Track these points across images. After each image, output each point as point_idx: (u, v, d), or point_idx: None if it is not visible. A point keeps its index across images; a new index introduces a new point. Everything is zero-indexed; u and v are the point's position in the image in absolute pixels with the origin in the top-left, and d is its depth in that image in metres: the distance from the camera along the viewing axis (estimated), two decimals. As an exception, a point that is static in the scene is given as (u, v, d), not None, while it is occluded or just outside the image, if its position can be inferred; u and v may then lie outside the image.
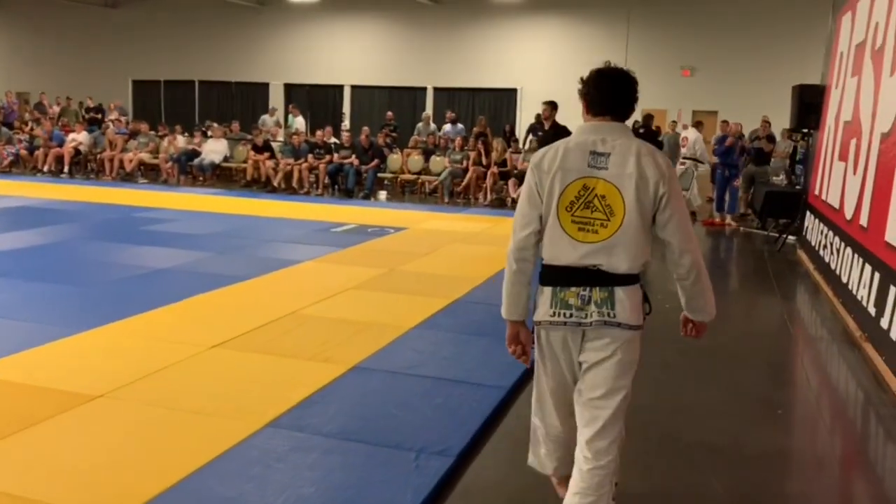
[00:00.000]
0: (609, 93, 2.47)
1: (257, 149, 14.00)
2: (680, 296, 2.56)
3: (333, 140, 14.41)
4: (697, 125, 12.65)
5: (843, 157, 6.82)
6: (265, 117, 17.09)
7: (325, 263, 7.30)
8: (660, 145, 12.11)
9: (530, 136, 14.83)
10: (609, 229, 2.38)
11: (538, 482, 3.22)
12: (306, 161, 13.52)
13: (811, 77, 10.17)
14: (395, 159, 14.06)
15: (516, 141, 15.54)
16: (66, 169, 14.75)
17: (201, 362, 4.37)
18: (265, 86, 21.84)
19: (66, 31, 24.07)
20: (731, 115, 13.53)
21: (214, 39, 22.58)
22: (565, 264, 2.43)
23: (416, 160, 13.91)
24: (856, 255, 5.78)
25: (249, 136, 14.92)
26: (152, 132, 15.68)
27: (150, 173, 14.98)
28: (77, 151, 15.00)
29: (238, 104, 22.15)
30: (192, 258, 7.27)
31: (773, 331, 5.94)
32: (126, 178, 14.50)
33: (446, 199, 12.92)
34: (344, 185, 13.31)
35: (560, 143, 2.48)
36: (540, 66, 19.83)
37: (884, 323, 4.66)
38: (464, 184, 12.93)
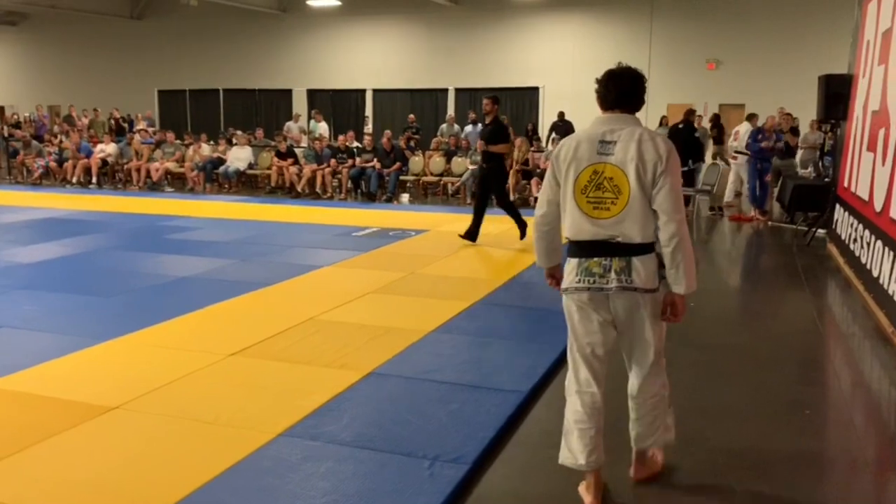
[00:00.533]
0: (617, 90, 2.89)
1: (281, 155, 14.08)
2: (665, 267, 2.86)
3: (356, 144, 14.44)
4: (751, 118, 12.45)
5: (872, 147, 6.63)
6: (290, 124, 17.18)
7: (345, 268, 7.29)
8: (697, 141, 12.15)
9: (553, 135, 14.75)
10: (619, 206, 2.80)
11: (556, 491, 3.16)
12: (329, 166, 13.56)
13: (838, 67, 9.92)
14: (416, 161, 14.04)
15: (539, 140, 15.44)
16: (94, 180, 14.97)
17: (218, 371, 4.37)
18: (288, 92, 21.95)
19: (92, 43, 24.46)
20: (758, 108, 13.26)
21: (238, 48, 22.78)
22: (587, 239, 2.86)
23: (437, 162, 13.87)
24: (886, 249, 5.60)
25: (273, 143, 15.02)
26: (177, 141, 15.85)
27: (176, 182, 15.14)
28: (104, 162, 15.22)
29: (262, 111, 22.29)
30: (215, 266, 7.31)
31: (802, 328, 5.78)
32: (153, 187, 14.67)
33: (469, 200, 12.84)
34: (367, 189, 13.32)
35: (574, 137, 2.94)
36: (562, 64, 19.68)
37: (916, 318, 4.50)
38: (486, 184, 12.84)
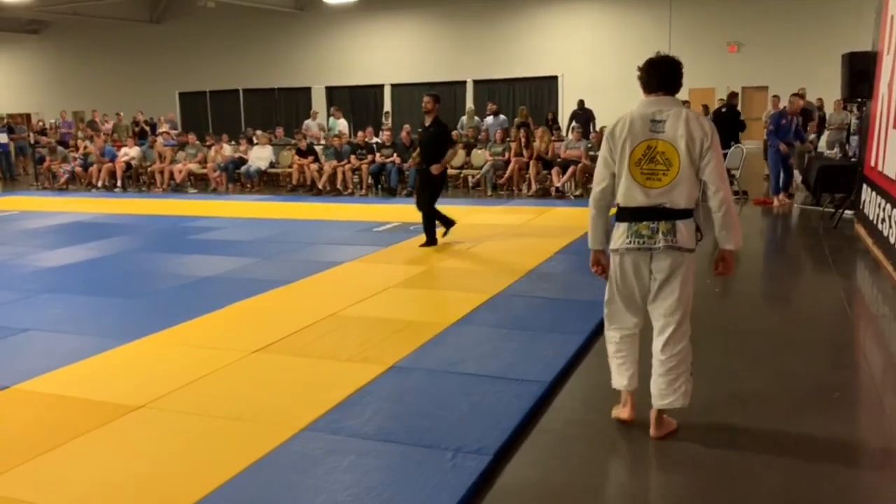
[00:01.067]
0: (658, 76, 3.29)
1: (301, 153, 14.14)
2: (715, 229, 3.28)
3: (375, 140, 14.45)
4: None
5: (898, 125, 6.49)
6: (308, 122, 17.25)
7: (366, 263, 7.31)
8: (742, 124, 12.43)
9: (573, 123, 14.63)
10: (669, 176, 3.20)
11: (578, 480, 3.14)
12: (349, 162, 13.60)
13: (862, 44, 9.72)
14: (436, 155, 13.98)
15: (559, 129, 15.34)
16: (119, 183, 15.15)
17: (242, 368, 4.40)
18: (307, 90, 22.07)
19: (113, 49, 24.75)
20: (781, 90, 13.09)
21: (256, 47, 22.91)
22: (638, 205, 3.24)
23: (457, 154, 13.82)
24: (915, 228, 5.49)
25: (293, 141, 15.09)
26: (198, 143, 15.98)
27: (199, 183, 15.27)
28: (129, 165, 15.40)
29: (282, 110, 22.44)
30: (238, 265, 7.36)
31: (830, 310, 5.68)
32: (176, 188, 14.81)
33: (489, 193, 12.82)
34: (387, 184, 13.34)
35: (627, 116, 3.28)
36: (580, 52, 19.54)
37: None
38: (506, 176, 12.81)
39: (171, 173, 14.99)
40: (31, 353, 4.82)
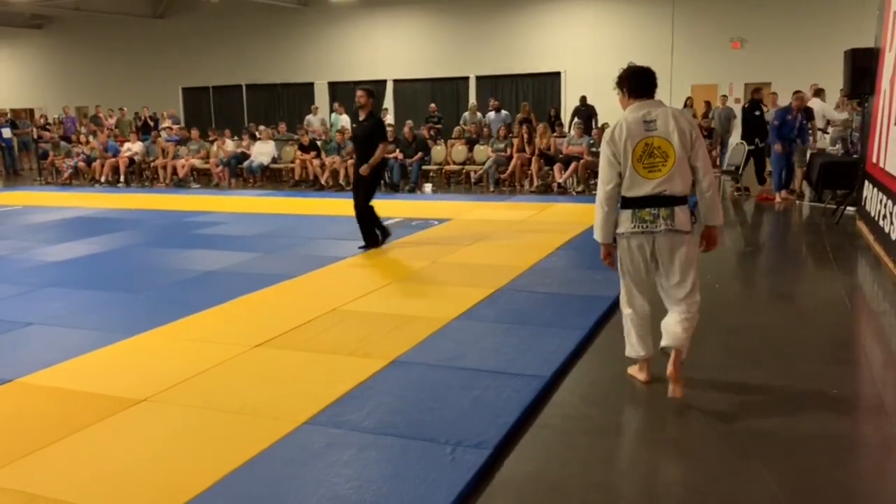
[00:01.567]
0: (645, 83, 3.78)
1: (304, 148, 14.16)
2: (700, 209, 3.79)
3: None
4: (818, 93, 12.25)
5: (900, 121, 6.49)
6: (310, 117, 17.26)
7: (368, 258, 7.33)
8: (763, 121, 12.03)
9: (575, 119, 14.61)
10: (667, 167, 3.65)
11: (577, 474, 3.16)
12: (352, 158, 13.59)
13: (866, 42, 9.69)
14: (439, 151, 14.03)
15: (561, 125, 15.34)
16: (122, 178, 15.18)
17: (243, 362, 4.43)
18: (310, 85, 22.04)
19: (116, 44, 24.72)
20: (785, 86, 13.05)
21: (259, 43, 22.88)
22: (642, 195, 3.68)
23: (460, 150, 13.85)
24: (916, 225, 5.49)
25: (296, 137, 15.10)
26: (201, 139, 16.00)
27: (202, 178, 15.30)
28: (132, 161, 15.43)
29: (284, 105, 22.43)
30: (240, 259, 7.38)
31: (830, 307, 5.68)
32: (179, 184, 14.84)
33: (492, 188, 12.83)
34: (390, 180, 13.35)
35: (621, 121, 3.72)
36: (583, 48, 19.48)
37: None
38: (508, 172, 12.82)
39: (174, 168, 15.02)
40: (33, 347, 4.84)
